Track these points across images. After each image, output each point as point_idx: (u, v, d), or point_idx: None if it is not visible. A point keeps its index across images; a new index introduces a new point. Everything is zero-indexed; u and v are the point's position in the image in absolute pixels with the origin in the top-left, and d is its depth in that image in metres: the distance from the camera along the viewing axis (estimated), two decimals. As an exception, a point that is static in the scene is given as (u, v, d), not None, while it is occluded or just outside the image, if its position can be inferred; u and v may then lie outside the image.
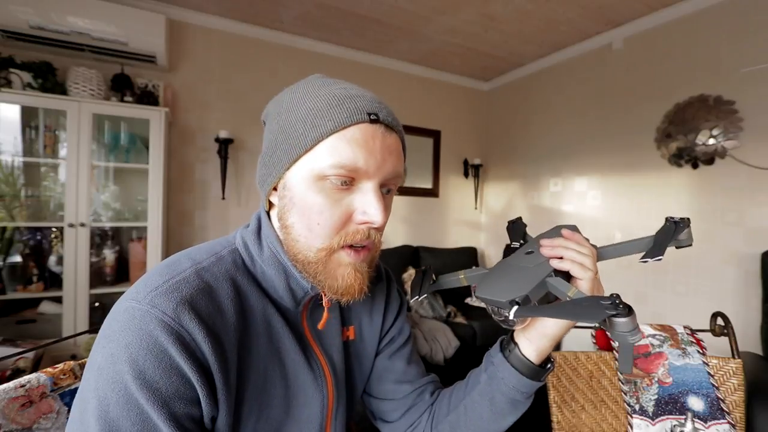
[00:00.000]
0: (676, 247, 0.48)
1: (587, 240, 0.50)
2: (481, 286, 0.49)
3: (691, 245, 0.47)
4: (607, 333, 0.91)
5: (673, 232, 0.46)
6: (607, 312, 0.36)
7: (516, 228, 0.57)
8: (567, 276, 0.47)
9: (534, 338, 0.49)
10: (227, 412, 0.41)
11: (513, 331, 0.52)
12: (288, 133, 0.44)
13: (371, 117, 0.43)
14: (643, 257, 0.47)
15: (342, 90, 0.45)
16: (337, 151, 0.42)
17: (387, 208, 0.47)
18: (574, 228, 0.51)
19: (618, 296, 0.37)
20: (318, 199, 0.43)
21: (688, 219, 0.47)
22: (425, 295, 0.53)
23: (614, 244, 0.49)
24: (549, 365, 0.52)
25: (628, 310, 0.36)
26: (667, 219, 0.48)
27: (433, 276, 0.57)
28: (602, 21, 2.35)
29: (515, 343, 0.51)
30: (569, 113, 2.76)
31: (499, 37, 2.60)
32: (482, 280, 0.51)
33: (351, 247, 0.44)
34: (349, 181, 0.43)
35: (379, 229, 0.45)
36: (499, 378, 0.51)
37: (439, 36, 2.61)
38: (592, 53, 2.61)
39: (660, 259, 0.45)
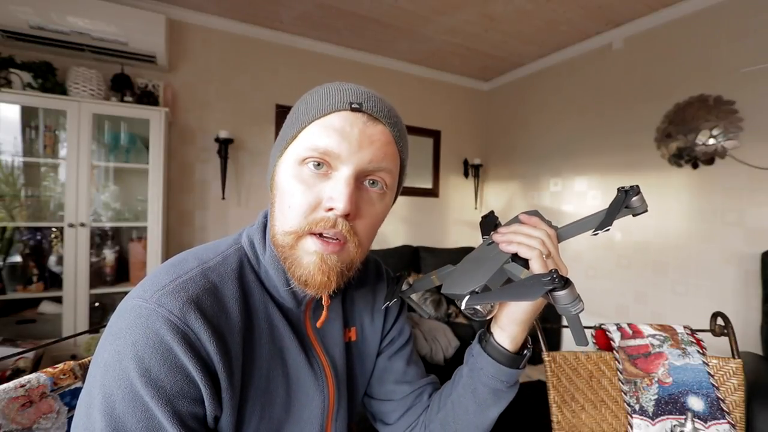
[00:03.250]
0: (633, 215, 0.49)
1: (549, 222, 0.50)
2: (445, 282, 0.50)
3: (646, 211, 0.48)
4: (604, 332, 0.91)
5: (622, 201, 0.47)
6: (545, 287, 0.36)
7: (488, 222, 0.57)
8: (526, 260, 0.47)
9: (505, 325, 0.50)
10: (231, 412, 0.42)
11: (489, 322, 0.53)
12: (285, 127, 0.48)
13: (353, 106, 0.43)
14: (593, 231, 0.47)
15: (337, 85, 0.46)
16: (313, 135, 0.43)
17: (369, 202, 0.46)
18: (533, 213, 0.52)
19: (556, 271, 0.37)
20: (294, 184, 0.44)
21: (638, 186, 0.48)
22: (425, 298, 0.53)
23: (573, 222, 0.50)
24: (525, 351, 0.53)
25: (565, 283, 0.37)
26: (618, 189, 0.49)
27: (410, 281, 0.59)
28: (602, 21, 2.35)
29: (491, 333, 0.52)
30: (569, 113, 2.76)
31: (499, 37, 2.59)
32: (447, 277, 0.52)
33: (320, 236, 0.43)
34: (324, 165, 0.43)
35: (349, 219, 0.43)
36: (479, 368, 0.52)
37: (439, 36, 2.61)
38: (592, 53, 2.61)
39: (608, 230, 0.46)
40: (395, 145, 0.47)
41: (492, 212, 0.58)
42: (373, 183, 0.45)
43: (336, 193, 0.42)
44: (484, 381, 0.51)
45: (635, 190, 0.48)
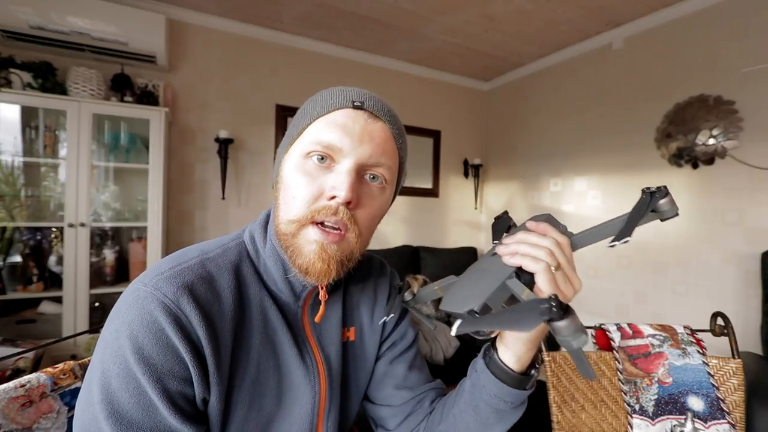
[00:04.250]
0: (661, 220, 0.42)
1: (564, 228, 0.45)
2: (445, 296, 0.45)
3: (677, 215, 0.41)
4: (604, 332, 0.91)
5: (647, 205, 0.41)
6: (541, 317, 0.32)
7: (500, 225, 0.50)
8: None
9: (510, 343, 0.47)
10: (218, 397, 0.43)
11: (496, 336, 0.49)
12: (290, 126, 0.51)
13: (355, 104, 0.46)
14: (610, 243, 0.42)
15: (341, 87, 0.49)
16: (318, 131, 0.46)
17: (370, 195, 0.47)
18: (545, 217, 0.47)
19: (555, 297, 0.32)
20: (299, 176, 0.46)
21: (665, 187, 0.41)
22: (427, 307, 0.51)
23: (590, 228, 0.44)
24: (533, 372, 0.49)
25: (564, 312, 0.32)
26: (643, 190, 0.42)
27: (414, 291, 0.56)
28: (602, 21, 2.35)
29: (495, 350, 0.49)
30: (569, 113, 2.76)
31: (499, 37, 2.59)
32: (447, 290, 0.47)
33: (321, 225, 0.44)
34: (327, 159, 0.45)
35: (350, 208, 0.44)
36: (481, 386, 0.49)
37: (439, 36, 2.61)
38: (592, 53, 2.61)
39: (627, 241, 0.41)
40: (394, 141, 0.49)
41: (505, 213, 0.52)
42: (374, 177, 0.47)
43: (338, 182, 0.44)
44: (486, 399, 0.49)
45: (662, 192, 0.41)
